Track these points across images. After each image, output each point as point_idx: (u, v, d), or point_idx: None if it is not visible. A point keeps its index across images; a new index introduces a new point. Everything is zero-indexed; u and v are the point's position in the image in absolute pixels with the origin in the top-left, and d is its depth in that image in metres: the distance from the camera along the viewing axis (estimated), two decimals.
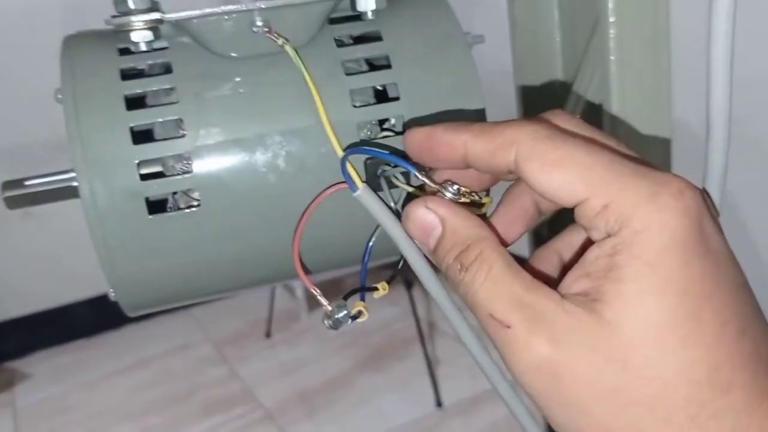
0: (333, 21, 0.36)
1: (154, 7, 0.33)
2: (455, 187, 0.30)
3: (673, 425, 0.23)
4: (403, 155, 0.33)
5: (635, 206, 0.24)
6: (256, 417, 1.71)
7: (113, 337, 2.09)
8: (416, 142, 0.30)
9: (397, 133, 0.36)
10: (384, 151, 0.32)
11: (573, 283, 0.26)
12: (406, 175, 0.34)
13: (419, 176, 0.31)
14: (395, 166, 0.33)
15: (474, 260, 0.27)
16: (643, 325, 0.23)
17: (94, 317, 2.10)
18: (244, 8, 0.32)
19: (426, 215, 0.29)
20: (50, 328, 2.04)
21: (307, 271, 0.35)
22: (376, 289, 0.36)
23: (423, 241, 0.30)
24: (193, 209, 0.34)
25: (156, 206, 0.34)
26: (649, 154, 0.45)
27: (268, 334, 1.99)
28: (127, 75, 0.34)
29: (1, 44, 1.88)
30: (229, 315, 2.12)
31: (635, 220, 0.24)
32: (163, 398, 1.80)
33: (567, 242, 0.31)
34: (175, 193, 0.35)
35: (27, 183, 0.38)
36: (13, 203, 0.38)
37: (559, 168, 0.25)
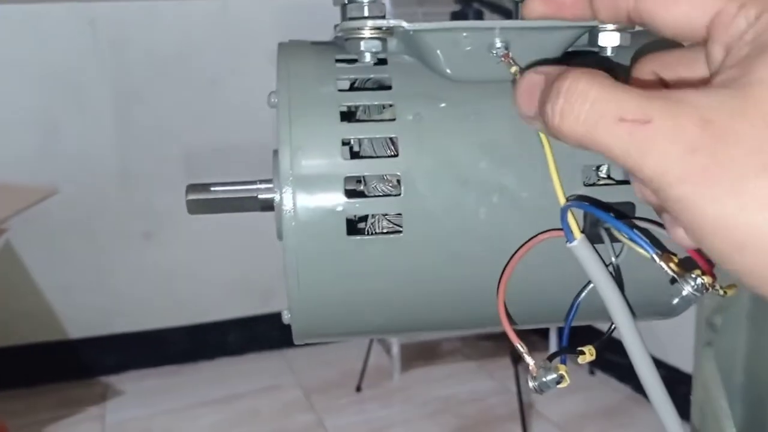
0: (568, 55, 0.33)
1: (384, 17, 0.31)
2: (699, 281, 0.29)
3: None
4: (631, 223, 0.30)
5: None
6: None
7: (205, 368, 2.11)
8: (538, 12, 0.29)
9: (618, 182, 0.33)
10: (611, 215, 0.30)
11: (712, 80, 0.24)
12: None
13: (652, 255, 0.29)
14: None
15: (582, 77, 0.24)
16: None
17: (190, 345, 2.12)
18: (487, 26, 0.29)
19: (532, 76, 0.27)
20: (147, 348, 2.08)
21: (512, 322, 0.31)
22: (582, 353, 0.31)
23: (529, 105, 0.26)
24: (396, 235, 0.31)
25: (351, 228, 0.32)
26: None
27: (358, 388, 1.95)
28: (343, 86, 0.33)
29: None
30: (322, 362, 2.09)
31: None
32: None
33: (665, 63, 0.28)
34: (368, 217, 0.32)
35: (213, 189, 0.37)
36: (194, 207, 0.37)
37: None
